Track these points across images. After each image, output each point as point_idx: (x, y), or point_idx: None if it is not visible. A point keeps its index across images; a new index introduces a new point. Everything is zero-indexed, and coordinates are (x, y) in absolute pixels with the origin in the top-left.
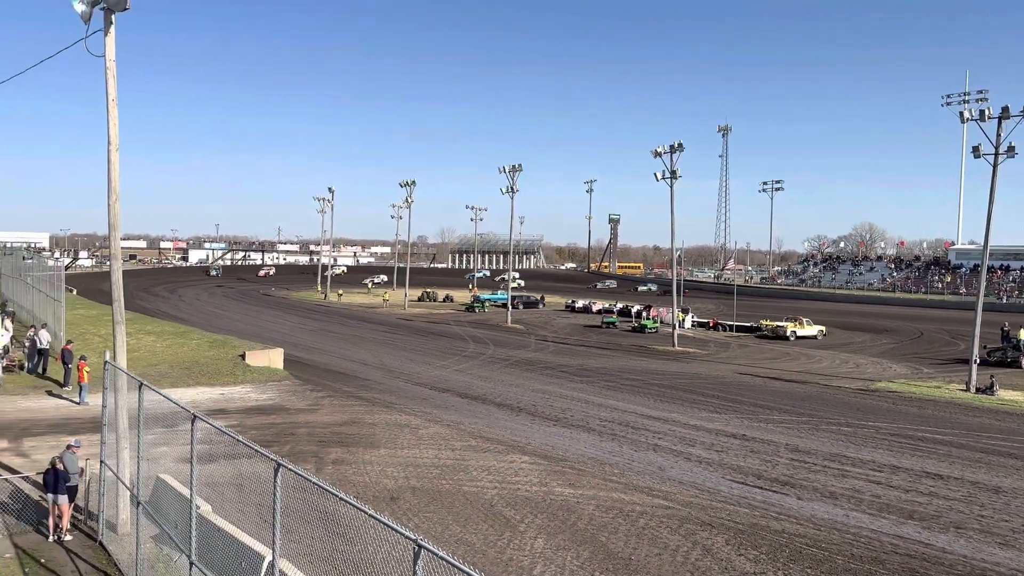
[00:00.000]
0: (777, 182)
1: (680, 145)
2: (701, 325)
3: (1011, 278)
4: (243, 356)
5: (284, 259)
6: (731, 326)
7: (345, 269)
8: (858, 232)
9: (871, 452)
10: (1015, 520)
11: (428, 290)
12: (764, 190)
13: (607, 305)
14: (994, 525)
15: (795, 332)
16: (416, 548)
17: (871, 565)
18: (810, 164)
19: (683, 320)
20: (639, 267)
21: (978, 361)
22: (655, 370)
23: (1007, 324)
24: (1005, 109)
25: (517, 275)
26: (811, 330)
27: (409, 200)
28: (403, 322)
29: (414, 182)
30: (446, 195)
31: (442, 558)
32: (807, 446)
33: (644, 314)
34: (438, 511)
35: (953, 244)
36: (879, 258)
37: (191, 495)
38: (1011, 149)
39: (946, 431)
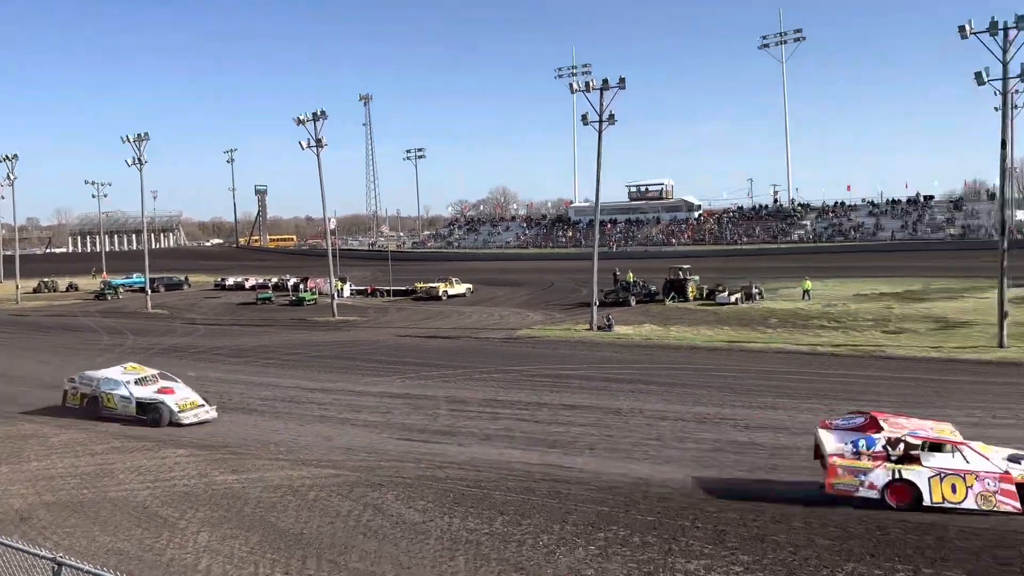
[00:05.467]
0: (419, 150)
1: (323, 113)
2: (360, 293)
3: (618, 230)
4: None
5: None
6: (388, 291)
7: None
8: (494, 195)
9: (518, 393)
10: (633, 435)
11: (46, 279)
12: (408, 158)
13: (262, 280)
14: (617, 443)
15: (446, 292)
16: (56, 567)
17: (524, 495)
18: (450, 132)
19: (341, 289)
20: (292, 239)
21: (597, 303)
22: (316, 342)
23: (618, 270)
24: (605, 82)
25: None
26: (460, 288)
27: (12, 176)
28: (16, 318)
29: (16, 156)
30: (60, 170)
31: (84, 571)
32: (464, 396)
33: (302, 287)
34: (82, 523)
35: (572, 203)
36: (513, 218)
37: None
38: (612, 117)
39: (577, 366)
